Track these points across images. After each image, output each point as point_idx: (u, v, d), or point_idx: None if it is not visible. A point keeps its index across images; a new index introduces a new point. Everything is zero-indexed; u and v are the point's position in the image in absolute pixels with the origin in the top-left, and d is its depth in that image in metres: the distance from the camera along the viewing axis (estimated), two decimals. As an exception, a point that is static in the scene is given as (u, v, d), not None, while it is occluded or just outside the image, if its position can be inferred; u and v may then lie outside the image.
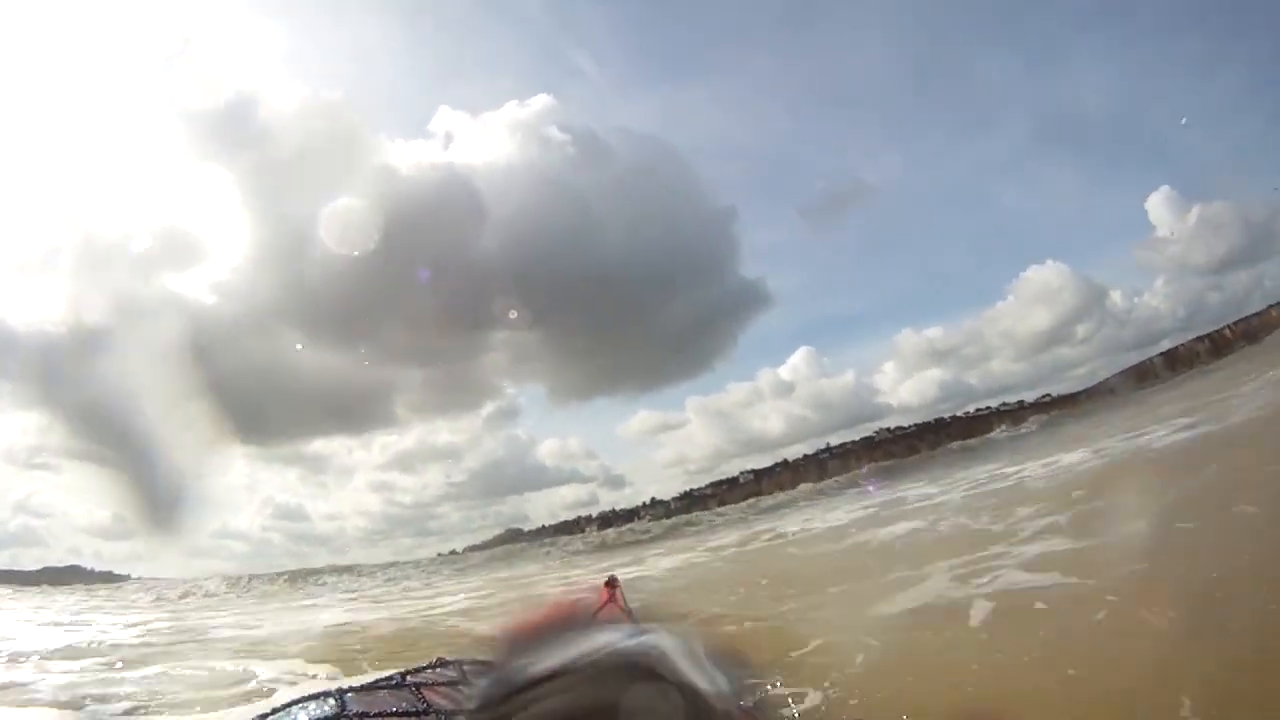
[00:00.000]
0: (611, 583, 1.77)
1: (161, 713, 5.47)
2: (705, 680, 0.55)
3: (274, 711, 0.79)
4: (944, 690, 3.86)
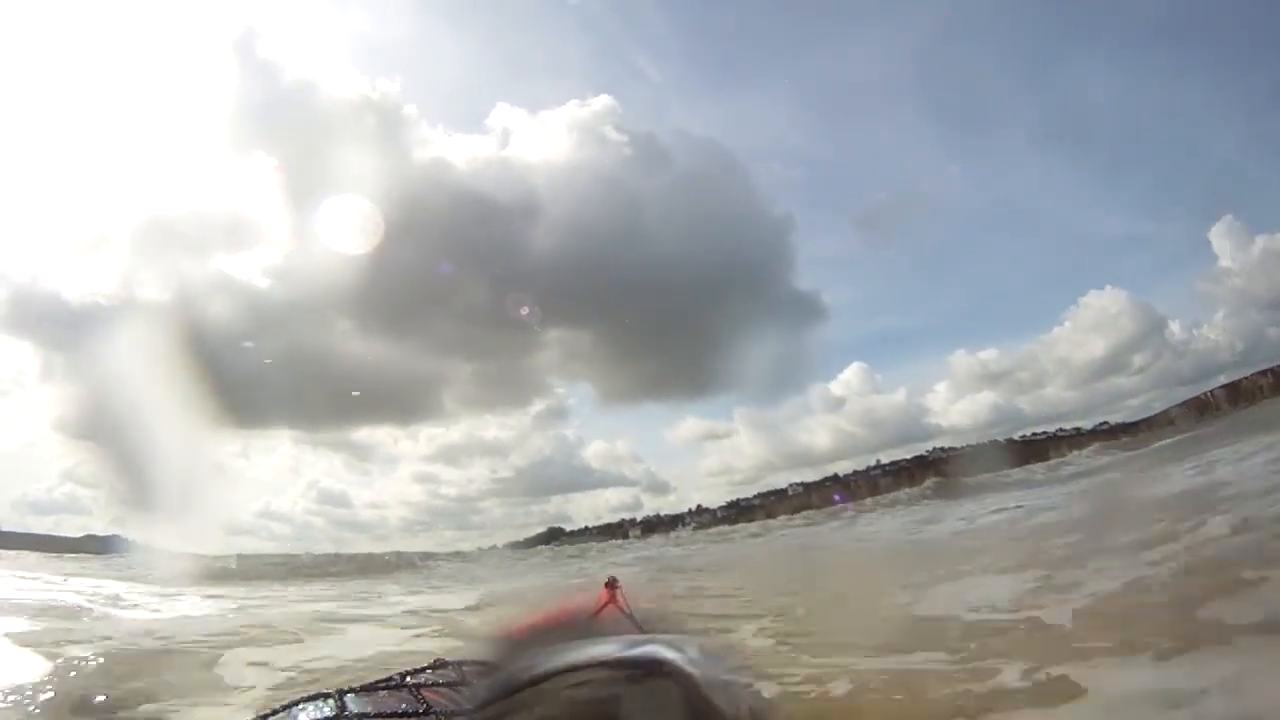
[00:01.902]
0: (611, 584, 1.77)
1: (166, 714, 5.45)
2: (706, 682, 0.55)
3: (274, 712, 0.79)
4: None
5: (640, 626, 0.63)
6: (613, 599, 1.66)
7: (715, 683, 0.55)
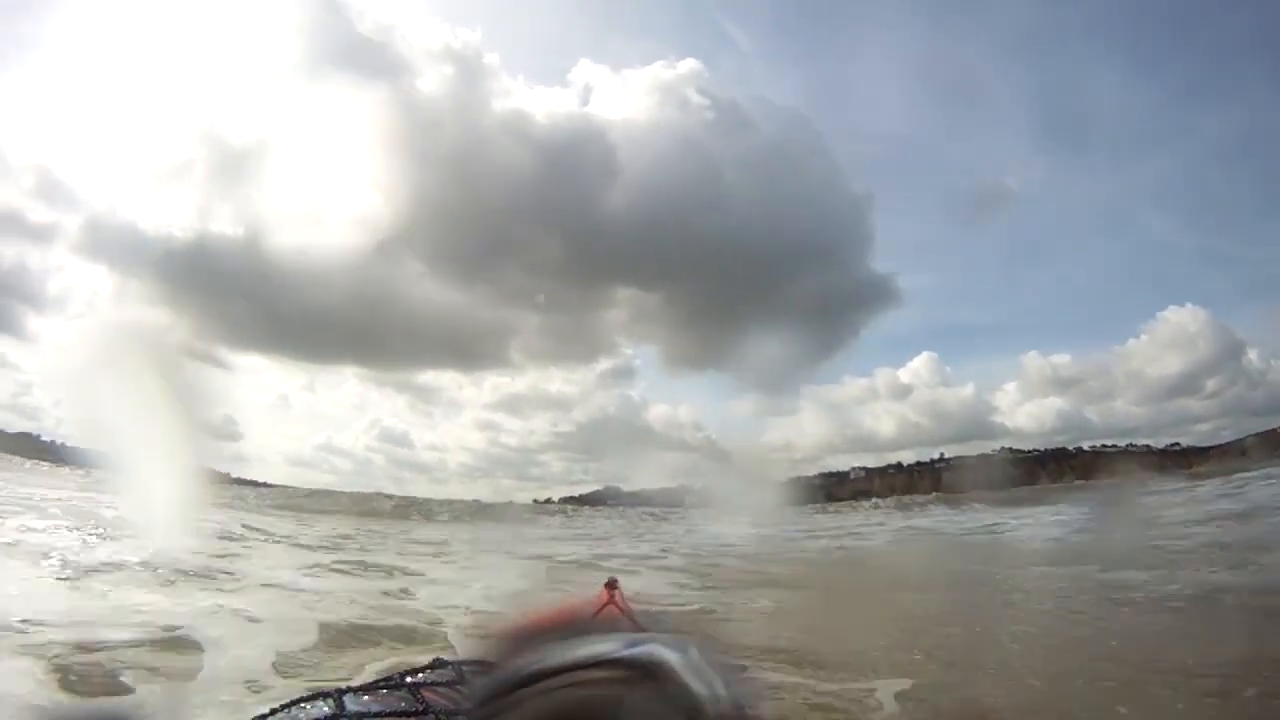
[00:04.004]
0: (611, 584, 1.77)
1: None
2: (704, 683, 0.55)
3: (272, 712, 0.79)
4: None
5: (639, 627, 0.63)
6: (612, 599, 1.66)
7: (712, 683, 0.55)
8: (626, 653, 0.56)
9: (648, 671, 0.54)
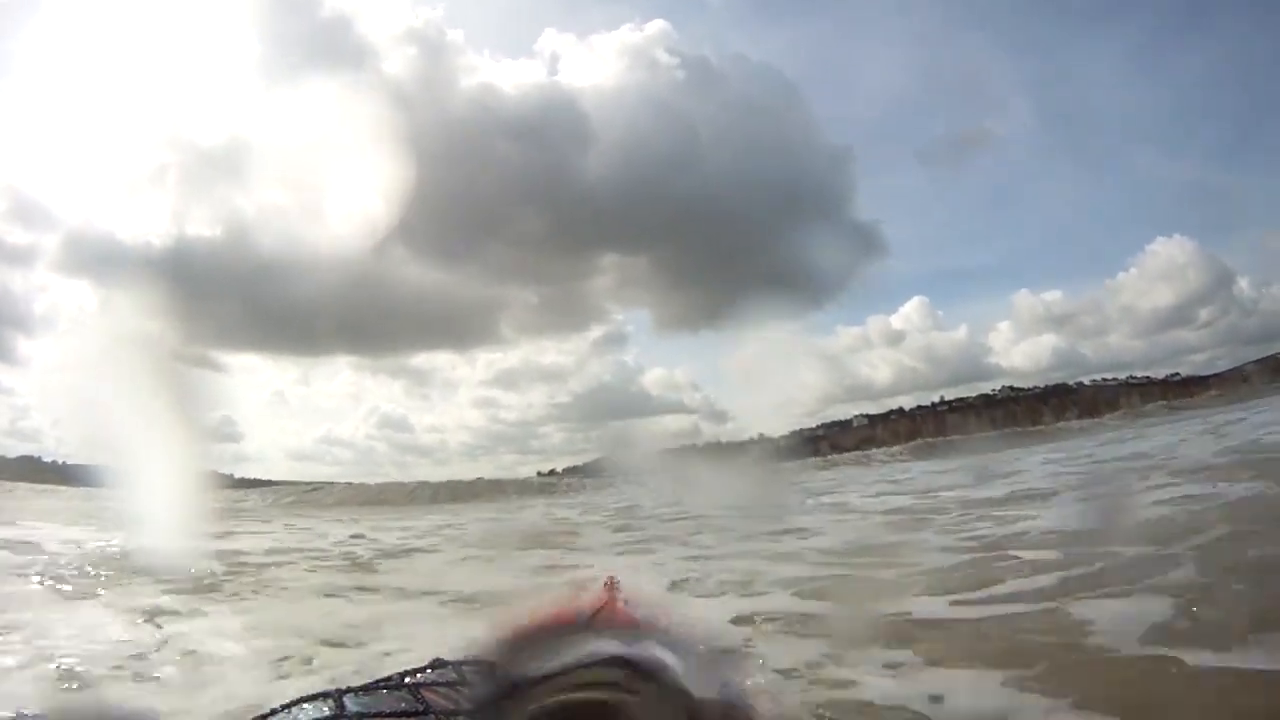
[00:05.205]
0: (611, 584, 1.77)
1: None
2: (701, 683, 0.55)
3: (272, 712, 0.79)
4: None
5: (639, 627, 0.63)
6: (612, 599, 1.67)
7: (711, 684, 0.55)
8: (626, 653, 0.56)
9: (647, 671, 0.54)
